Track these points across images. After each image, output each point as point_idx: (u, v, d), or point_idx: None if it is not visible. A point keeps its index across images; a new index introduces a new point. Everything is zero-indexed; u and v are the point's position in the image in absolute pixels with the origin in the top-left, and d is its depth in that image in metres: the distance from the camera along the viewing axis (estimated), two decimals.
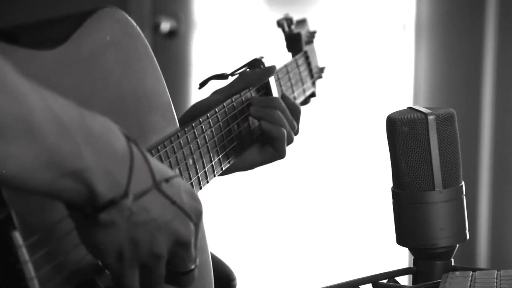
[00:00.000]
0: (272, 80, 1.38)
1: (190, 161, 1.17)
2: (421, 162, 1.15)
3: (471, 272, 1.13)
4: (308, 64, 1.60)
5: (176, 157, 1.13)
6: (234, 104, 1.30)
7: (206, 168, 1.20)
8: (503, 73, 2.73)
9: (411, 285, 1.16)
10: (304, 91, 1.56)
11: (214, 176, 1.23)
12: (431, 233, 1.15)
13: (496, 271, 1.12)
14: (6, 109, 0.78)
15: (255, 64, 1.37)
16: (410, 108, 1.18)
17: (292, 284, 2.99)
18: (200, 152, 1.19)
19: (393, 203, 1.18)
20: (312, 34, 1.64)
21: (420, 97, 2.81)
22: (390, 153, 1.17)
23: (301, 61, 1.57)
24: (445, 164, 1.15)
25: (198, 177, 1.18)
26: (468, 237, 1.18)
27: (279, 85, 1.43)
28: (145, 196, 0.90)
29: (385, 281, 1.17)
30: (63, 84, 0.98)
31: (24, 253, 0.86)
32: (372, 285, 1.17)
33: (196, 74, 2.97)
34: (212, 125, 1.24)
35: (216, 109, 1.26)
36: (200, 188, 1.19)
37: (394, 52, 2.84)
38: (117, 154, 0.87)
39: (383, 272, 1.17)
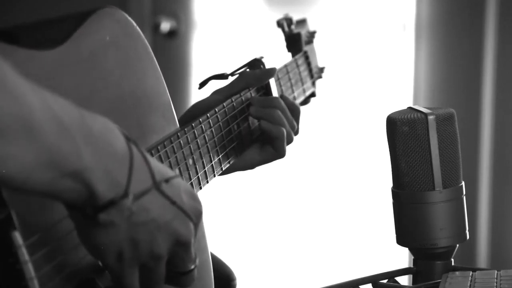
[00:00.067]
0: (272, 80, 1.38)
1: (190, 161, 1.17)
2: (421, 162, 1.15)
3: (471, 272, 1.13)
4: (308, 64, 1.60)
5: (176, 157, 1.13)
6: (234, 104, 1.30)
7: (206, 168, 1.20)
8: (503, 73, 2.73)
9: (411, 285, 1.16)
10: (304, 91, 1.56)
11: (214, 176, 1.23)
12: (431, 233, 1.15)
13: (496, 271, 1.12)
14: (6, 109, 0.78)
15: (255, 64, 1.37)
16: (410, 108, 1.17)
17: (292, 284, 2.99)
18: (200, 152, 1.19)
19: (393, 203, 1.18)
20: (312, 34, 1.64)
21: (420, 97, 2.81)
22: (390, 153, 1.17)
23: (301, 61, 1.57)
24: (445, 164, 1.15)
25: (198, 177, 1.18)
26: (468, 237, 1.18)
27: (279, 85, 1.43)
28: (145, 196, 0.90)
29: (385, 281, 1.17)
30: (63, 84, 0.98)
31: (24, 253, 0.86)
32: (372, 285, 1.17)
33: (196, 74, 2.97)
34: (212, 125, 1.24)
35: (216, 109, 1.26)
36: (200, 188, 1.19)
37: (394, 52, 2.84)
38: (117, 154, 0.87)
39: (383, 272, 1.17)
